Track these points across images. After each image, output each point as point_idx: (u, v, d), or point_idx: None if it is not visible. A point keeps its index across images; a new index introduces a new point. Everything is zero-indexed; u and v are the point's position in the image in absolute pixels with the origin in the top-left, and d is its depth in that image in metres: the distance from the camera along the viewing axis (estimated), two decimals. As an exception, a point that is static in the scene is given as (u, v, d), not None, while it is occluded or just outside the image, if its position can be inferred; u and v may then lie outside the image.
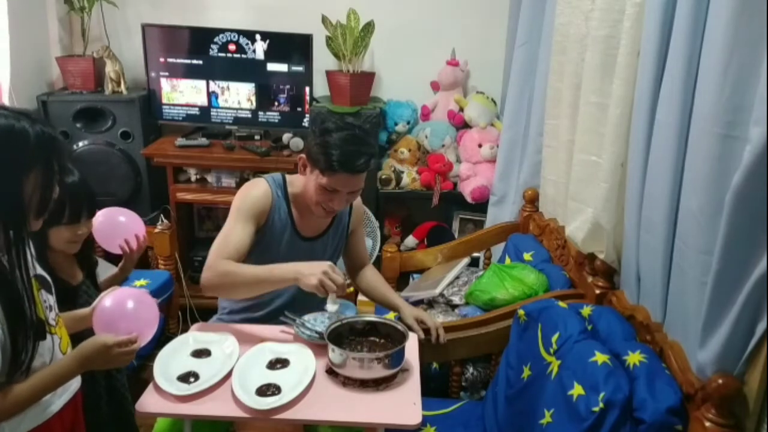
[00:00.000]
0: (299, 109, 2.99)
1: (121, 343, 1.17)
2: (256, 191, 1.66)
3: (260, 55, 2.91)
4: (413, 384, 1.44)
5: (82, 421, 1.32)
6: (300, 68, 2.92)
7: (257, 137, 3.05)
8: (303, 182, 1.67)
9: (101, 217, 1.64)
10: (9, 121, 1.03)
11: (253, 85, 2.96)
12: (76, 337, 1.25)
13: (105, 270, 1.77)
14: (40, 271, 1.21)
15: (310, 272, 1.47)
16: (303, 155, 1.65)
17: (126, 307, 1.25)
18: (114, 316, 1.22)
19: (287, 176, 1.74)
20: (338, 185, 1.58)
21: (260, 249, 1.68)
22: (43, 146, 1.06)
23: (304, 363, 1.46)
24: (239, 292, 1.61)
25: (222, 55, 2.91)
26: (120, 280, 1.71)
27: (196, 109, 3.02)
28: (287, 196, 1.70)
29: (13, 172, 1.03)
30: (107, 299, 1.26)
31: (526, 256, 2.24)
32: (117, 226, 1.69)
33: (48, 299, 1.19)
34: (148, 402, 1.33)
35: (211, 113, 3.03)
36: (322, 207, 1.63)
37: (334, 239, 1.81)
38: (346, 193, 1.61)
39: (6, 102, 2.55)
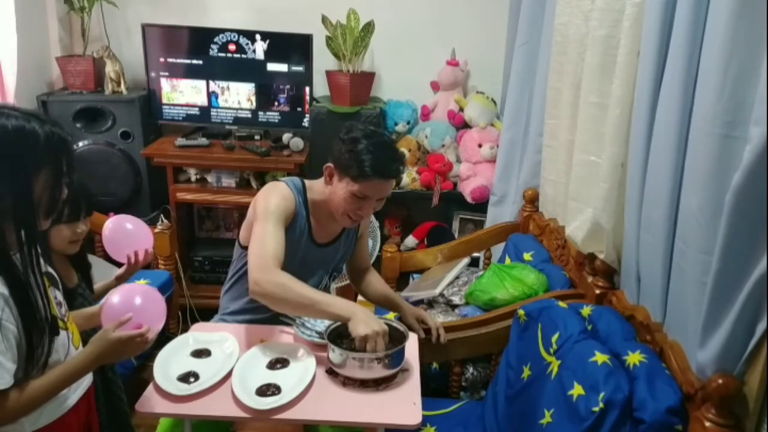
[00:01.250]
0: (299, 109, 2.99)
1: (132, 336, 1.18)
2: (284, 193, 1.64)
3: (260, 55, 2.91)
4: (413, 384, 1.44)
5: (95, 416, 1.33)
6: (300, 68, 2.92)
7: (257, 137, 3.05)
8: (327, 191, 1.66)
9: (111, 224, 1.65)
10: (19, 121, 1.04)
11: (253, 85, 2.96)
12: (86, 334, 1.26)
13: (105, 270, 1.77)
14: (47, 268, 1.21)
15: (365, 323, 1.42)
16: (330, 164, 1.64)
17: (134, 303, 1.25)
18: (122, 312, 1.22)
19: (306, 182, 1.73)
20: (370, 192, 1.58)
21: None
22: (53, 147, 1.07)
23: (304, 363, 1.46)
24: (285, 306, 1.51)
25: (222, 55, 2.91)
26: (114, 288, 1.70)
27: (196, 109, 3.02)
28: (306, 203, 1.70)
29: (24, 172, 1.04)
30: (115, 296, 1.27)
31: (526, 256, 2.24)
32: (128, 234, 1.69)
33: (57, 296, 1.20)
34: (148, 402, 1.33)
35: (211, 113, 3.03)
36: (349, 216, 1.63)
37: (345, 245, 1.82)
38: (375, 200, 1.61)
39: (7, 102, 2.55)
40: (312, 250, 1.72)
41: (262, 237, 1.53)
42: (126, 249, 1.67)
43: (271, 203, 1.59)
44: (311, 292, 1.48)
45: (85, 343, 1.21)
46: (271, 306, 1.52)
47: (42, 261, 1.16)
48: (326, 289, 1.85)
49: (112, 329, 1.17)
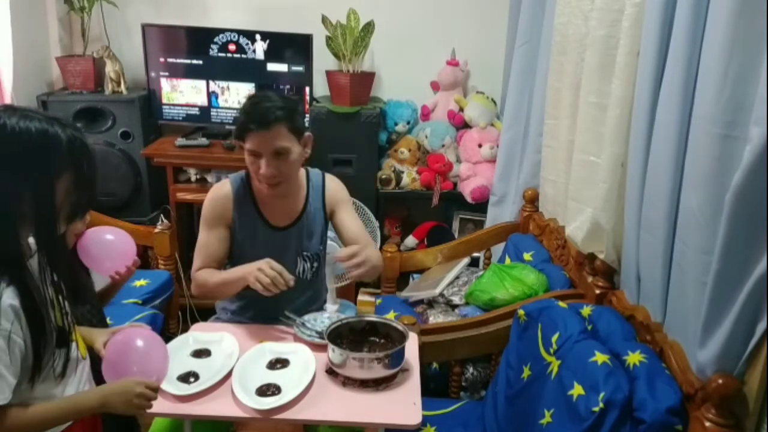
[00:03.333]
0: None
1: (148, 396, 1.17)
2: (216, 194, 1.72)
3: (260, 55, 2.91)
4: (413, 384, 1.44)
5: (100, 424, 1.32)
6: (300, 68, 2.92)
7: (257, 137, 3.05)
8: None
9: (90, 234, 1.50)
10: (43, 125, 1.04)
11: (253, 85, 2.95)
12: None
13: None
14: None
15: (249, 271, 1.52)
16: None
17: (137, 347, 1.24)
18: (127, 364, 1.22)
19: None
20: (254, 145, 1.59)
21: (238, 247, 1.72)
22: (75, 151, 1.07)
23: (304, 363, 1.46)
24: (217, 295, 1.77)
25: (222, 55, 2.91)
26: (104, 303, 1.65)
27: (196, 109, 3.02)
28: (252, 191, 1.72)
29: (46, 175, 1.04)
30: (116, 338, 1.26)
31: (526, 256, 2.24)
32: (108, 246, 1.54)
33: (65, 305, 1.18)
34: (149, 402, 1.34)
35: (211, 113, 3.02)
36: (259, 180, 1.64)
37: (310, 224, 1.76)
38: (271, 155, 1.58)
39: (6, 102, 2.55)
40: (271, 235, 1.73)
41: (197, 244, 1.72)
42: (106, 260, 1.54)
43: (204, 208, 1.72)
44: (220, 276, 1.65)
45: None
46: (212, 300, 1.78)
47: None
48: (312, 275, 1.80)
49: (137, 382, 1.16)
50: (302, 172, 1.77)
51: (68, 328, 1.15)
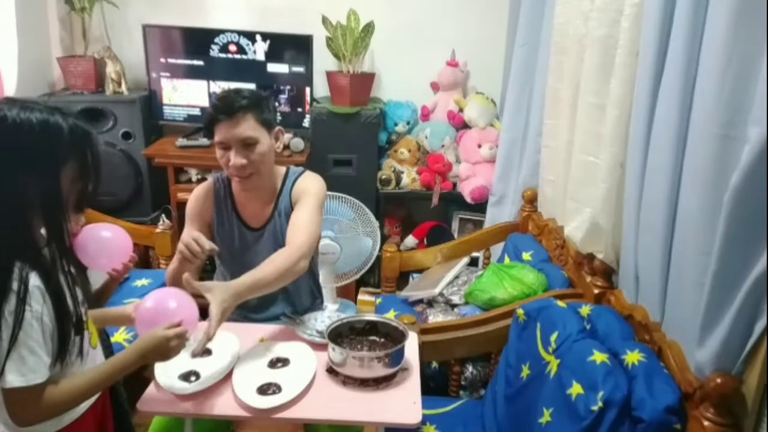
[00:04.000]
0: (300, 109, 3.00)
1: (179, 334, 1.20)
2: (197, 193, 1.75)
3: (261, 55, 2.92)
4: (413, 383, 1.44)
5: (110, 413, 1.33)
6: (300, 69, 2.93)
7: (257, 137, 3.05)
8: None
9: (87, 231, 1.45)
10: (44, 114, 1.05)
11: (253, 85, 2.96)
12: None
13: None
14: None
15: (182, 253, 1.50)
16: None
17: (168, 306, 1.27)
18: (158, 315, 1.24)
19: None
20: (222, 136, 1.61)
21: (219, 246, 1.69)
22: (77, 139, 1.07)
23: (304, 362, 1.47)
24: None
25: (223, 55, 2.92)
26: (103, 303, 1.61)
27: (197, 109, 3.03)
28: (231, 191, 1.74)
29: (50, 165, 1.04)
30: (148, 300, 1.28)
31: (525, 256, 2.24)
32: (105, 243, 1.50)
33: (79, 294, 1.19)
34: (150, 401, 1.34)
35: (212, 113, 3.03)
36: (231, 173, 1.65)
37: (282, 224, 1.73)
38: (240, 145, 1.60)
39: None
40: (247, 236, 1.74)
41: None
42: (101, 257, 1.49)
43: (186, 207, 1.75)
44: (171, 265, 1.66)
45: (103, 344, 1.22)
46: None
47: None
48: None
49: (164, 328, 1.19)
50: (281, 171, 1.78)
51: (82, 316, 1.16)
